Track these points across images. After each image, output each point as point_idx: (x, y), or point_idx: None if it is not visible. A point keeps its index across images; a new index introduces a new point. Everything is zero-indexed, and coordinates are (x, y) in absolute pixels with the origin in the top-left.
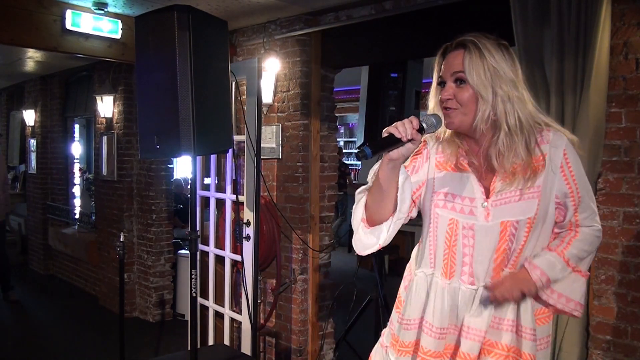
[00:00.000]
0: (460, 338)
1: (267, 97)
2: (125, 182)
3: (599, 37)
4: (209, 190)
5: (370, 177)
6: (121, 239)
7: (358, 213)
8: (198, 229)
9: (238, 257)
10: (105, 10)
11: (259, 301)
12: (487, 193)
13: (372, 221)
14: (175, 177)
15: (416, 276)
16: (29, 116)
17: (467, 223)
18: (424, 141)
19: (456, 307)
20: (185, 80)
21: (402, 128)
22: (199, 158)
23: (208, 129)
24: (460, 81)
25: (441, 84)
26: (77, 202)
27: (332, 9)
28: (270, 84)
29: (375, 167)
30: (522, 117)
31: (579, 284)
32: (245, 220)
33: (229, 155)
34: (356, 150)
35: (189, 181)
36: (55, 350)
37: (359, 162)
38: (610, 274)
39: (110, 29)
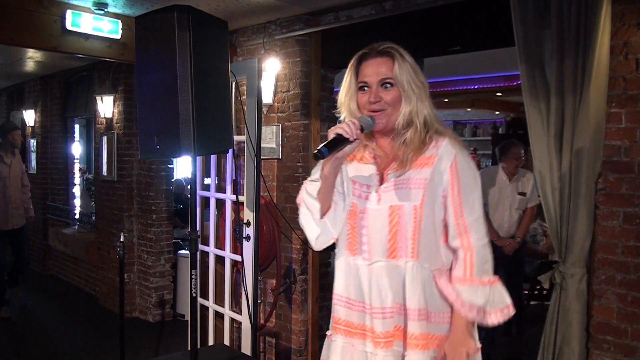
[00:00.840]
0: (366, 315)
1: (267, 97)
2: (125, 182)
3: (599, 37)
4: (209, 191)
5: (314, 176)
6: (121, 239)
7: (314, 204)
8: (198, 229)
9: (238, 257)
10: (105, 10)
11: (259, 301)
12: (382, 181)
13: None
14: (176, 178)
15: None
16: (29, 116)
17: (363, 207)
18: None
19: (359, 282)
20: (185, 80)
21: (348, 128)
22: (199, 158)
23: (208, 129)
24: (386, 85)
25: (363, 88)
26: (77, 202)
27: (332, 9)
28: (270, 84)
29: (318, 167)
30: (427, 115)
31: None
32: (245, 221)
33: (229, 155)
34: (315, 152)
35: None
36: (55, 350)
37: None
38: (610, 274)
39: (110, 29)
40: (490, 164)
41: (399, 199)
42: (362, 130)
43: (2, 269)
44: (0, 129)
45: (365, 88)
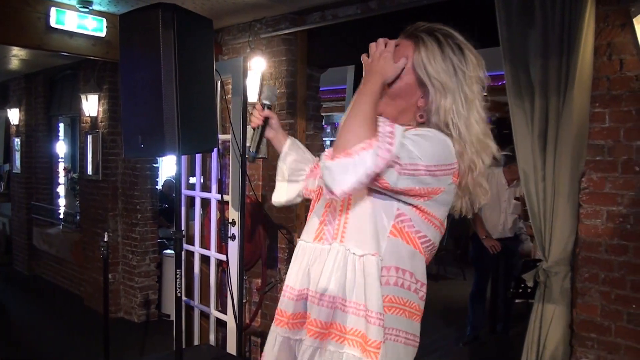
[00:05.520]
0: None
1: (252, 96)
2: (110, 181)
3: (583, 37)
4: (194, 190)
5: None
6: (105, 239)
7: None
8: (183, 228)
9: (223, 257)
10: (90, 8)
11: (244, 301)
12: None
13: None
14: (166, 177)
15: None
16: (14, 115)
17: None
18: None
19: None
20: (170, 79)
21: (254, 119)
22: (183, 157)
23: (193, 128)
24: None
25: None
26: (62, 201)
27: (317, 8)
28: (255, 83)
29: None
30: None
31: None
32: (230, 220)
33: (214, 154)
34: (247, 156)
35: None
36: (39, 351)
37: None
38: (594, 272)
39: (94, 27)
40: None
41: None
42: (265, 107)
43: None
44: None
45: None
